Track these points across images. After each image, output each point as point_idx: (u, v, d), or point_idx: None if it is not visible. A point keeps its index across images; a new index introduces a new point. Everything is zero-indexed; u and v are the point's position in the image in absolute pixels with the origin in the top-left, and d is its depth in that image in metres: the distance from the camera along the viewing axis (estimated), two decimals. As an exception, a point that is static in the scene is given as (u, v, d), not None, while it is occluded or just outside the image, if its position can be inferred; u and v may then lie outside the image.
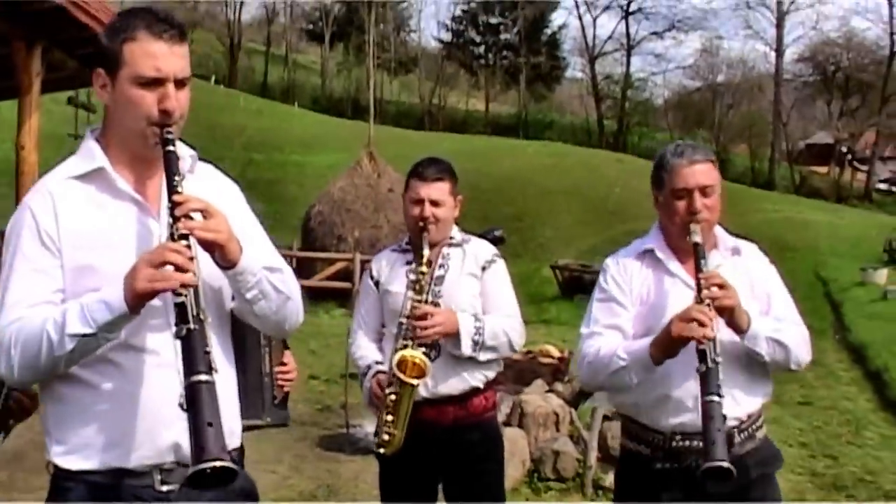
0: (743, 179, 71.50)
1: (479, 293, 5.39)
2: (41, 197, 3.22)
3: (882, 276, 27.40)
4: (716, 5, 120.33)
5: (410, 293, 5.16)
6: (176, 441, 3.16)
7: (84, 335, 3.02)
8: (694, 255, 4.29)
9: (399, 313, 5.18)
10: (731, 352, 4.27)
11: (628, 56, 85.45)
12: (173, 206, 3.07)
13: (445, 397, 5.28)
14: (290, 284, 3.41)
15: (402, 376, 4.98)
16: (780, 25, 79.06)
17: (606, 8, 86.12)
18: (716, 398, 3.91)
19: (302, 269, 26.63)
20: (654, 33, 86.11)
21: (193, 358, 2.91)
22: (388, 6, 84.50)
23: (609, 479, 9.08)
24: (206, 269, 3.15)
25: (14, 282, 3.18)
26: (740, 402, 4.34)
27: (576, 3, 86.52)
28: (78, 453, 3.18)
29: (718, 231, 4.55)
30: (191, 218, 3.07)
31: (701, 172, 4.40)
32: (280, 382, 4.36)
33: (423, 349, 5.07)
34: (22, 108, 11.95)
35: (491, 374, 5.46)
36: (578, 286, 29.96)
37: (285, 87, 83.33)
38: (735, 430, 4.32)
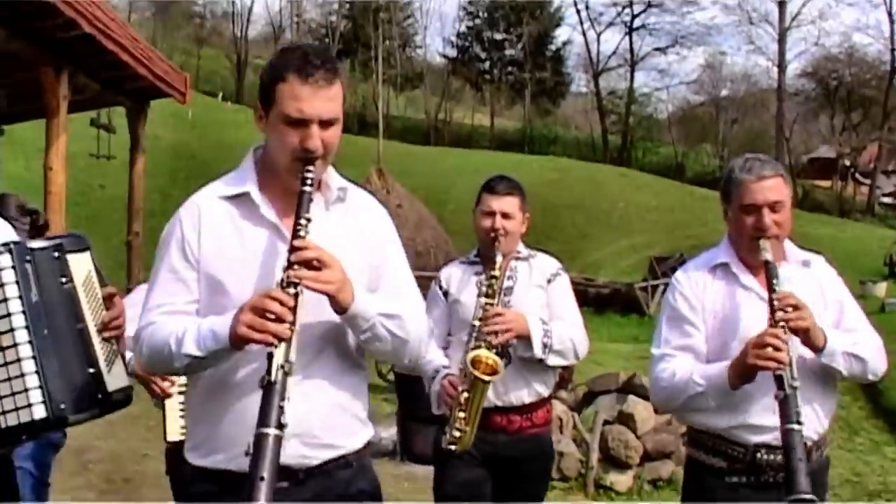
0: (747, 194, 71.96)
1: (545, 304, 5.56)
2: (190, 211, 3.47)
3: (881, 289, 27.86)
4: (719, 21, 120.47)
5: (482, 298, 5.28)
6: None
7: (195, 357, 3.27)
8: (766, 274, 4.24)
9: (469, 320, 5.31)
10: (810, 366, 4.24)
11: (632, 71, 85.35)
12: (291, 251, 3.25)
13: (513, 406, 5.46)
14: (409, 327, 3.51)
15: (476, 373, 5.06)
16: (781, 41, 79.06)
17: (610, 24, 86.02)
18: (795, 426, 3.87)
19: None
20: (658, 49, 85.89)
21: (268, 410, 3.04)
22: (394, 23, 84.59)
23: (609, 479, 9.63)
24: (325, 301, 3.31)
25: (157, 287, 3.44)
26: (820, 415, 4.35)
27: (580, 19, 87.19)
28: (197, 451, 3.48)
29: (787, 244, 4.52)
30: (309, 266, 3.24)
31: (769, 188, 4.36)
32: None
33: (495, 351, 5.15)
34: (49, 131, 12.37)
35: (552, 385, 5.69)
36: (582, 299, 30.38)
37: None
38: (815, 444, 4.33)
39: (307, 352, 3.36)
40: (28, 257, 3.50)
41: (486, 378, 5.09)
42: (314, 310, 3.34)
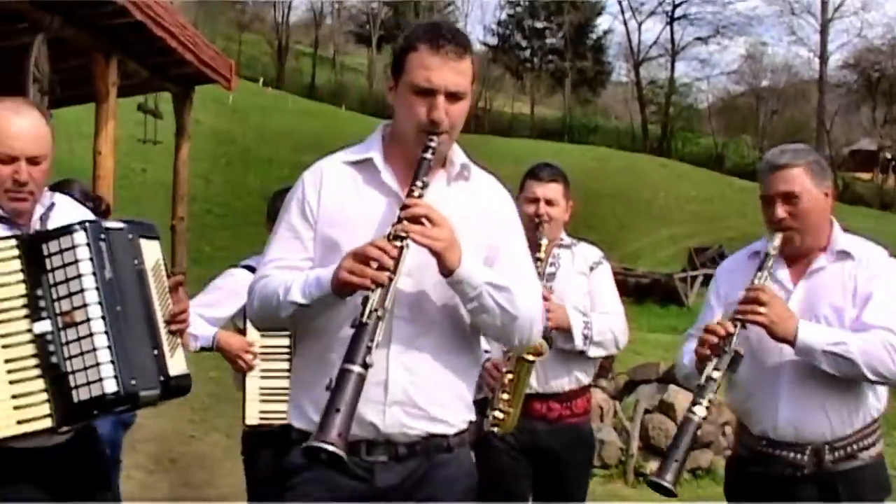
0: (787, 185, 71.64)
1: (586, 292, 5.56)
2: (313, 173, 3.59)
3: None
4: (760, 11, 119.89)
5: None
6: (372, 421, 3.39)
7: (300, 304, 3.36)
8: (759, 265, 4.23)
9: None
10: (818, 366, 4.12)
11: (673, 61, 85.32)
12: (402, 207, 3.33)
13: (554, 394, 5.48)
14: (519, 304, 3.47)
15: (525, 356, 5.02)
16: (823, 32, 78.76)
17: (651, 13, 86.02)
18: (692, 414, 3.95)
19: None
20: (699, 39, 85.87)
21: (355, 349, 3.13)
22: (435, 9, 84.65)
23: (650, 467, 9.71)
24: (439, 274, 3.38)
25: (275, 243, 3.57)
26: (833, 417, 4.20)
27: (621, 8, 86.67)
28: (294, 412, 3.56)
29: (836, 232, 4.36)
30: (418, 222, 3.30)
31: (781, 179, 4.25)
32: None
33: None
34: (99, 116, 12.53)
35: (592, 373, 5.71)
36: (622, 289, 30.40)
37: (333, 89, 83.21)
38: (825, 445, 4.20)
39: (418, 323, 3.45)
40: (103, 236, 3.63)
41: (531, 358, 5.10)
42: (429, 279, 3.43)
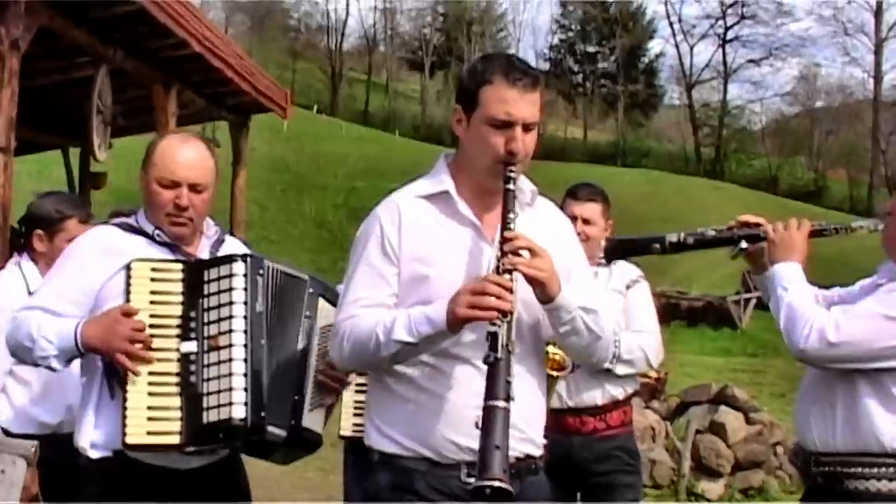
0: (842, 206, 71.04)
1: (622, 310, 5.61)
2: (390, 211, 3.53)
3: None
4: (813, 32, 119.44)
5: None
6: (473, 445, 3.31)
7: (406, 343, 3.33)
8: None
9: None
10: (820, 371, 4.21)
11: (725, 84, 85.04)
12: (503, 241, 3.36)
13: (586, 408, 5.52)
14: (603, 324, 3.57)
15: (550, 372, 4.85)
16: (878, 52, 78.46)
17: (703, 36, 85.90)
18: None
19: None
20: (752, 61, 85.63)
21: (495, 384, 3.16)
22: (487, 35, 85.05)
23: (700, 487, 9.87)
24: (528, 301, 3.44)
25: (356, 282, 3.50)
26: (816, 426, 4.21)
27: (673, 31, 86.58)
28: (391, 439, 3.47)
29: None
30: (518, 255, 3.34)
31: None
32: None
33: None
34: None
35: (630, 389, 5.68)
36: (675, 312, 30.45)
37: (386, 116, 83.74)
38: (812, 456, 4.22)
39: (518, 347, 3.45)
40: (261, 271, 3.87)
41: (555, 374, 5.10)
42: (523, 308, 3.47)
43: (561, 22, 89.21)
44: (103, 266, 3.91)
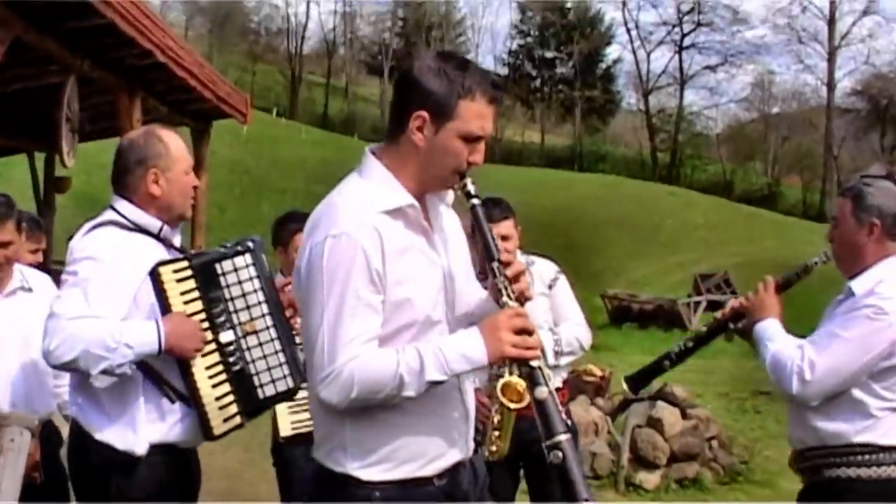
0: (794, 211, 71.85)
1: (548, 308, 5.97)
2: (370, 236, 3.26)
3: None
4: (768, 40, 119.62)
5: None
6: (460, 458, 3.52)
7: (438, 382, 3.26)
8: None
9: None
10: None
11: (681, 90, 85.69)
12: (503, 265, 3.43)
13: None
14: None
15: (504, 400, 5.50)
16: (831, 60, 79.15)
17: (660, 43, 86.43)
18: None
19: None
20: (708, 67, 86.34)
21: (552, 421, 3.23)
22: (446, 41, 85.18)
23: (638, 478, 10.38)
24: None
25: (348, 317, 3.24)
26: (800, 427, 4.56)
27: (630, 38, 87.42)
28: (379, 465, 3.37)
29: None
30: (517, 280, 3.43)
31: None
32: None
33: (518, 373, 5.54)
34: None
35: (565, 375, 6.16)
36: (626, 315, 31.10)
37: (345, 119, 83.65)
38: (799, 454, 4.61)
39: None
40: (254, 259, 4.33)
41: (513, 406, 5.54)
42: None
43: (519, 27, 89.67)
44: (131, 270, 4.11)
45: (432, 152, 3.38)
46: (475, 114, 3.36)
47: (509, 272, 3.42)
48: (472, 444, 3.62)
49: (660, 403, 11.16)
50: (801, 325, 4.60)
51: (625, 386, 5.42)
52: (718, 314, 4.88)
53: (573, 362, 6.31)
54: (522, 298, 3.41)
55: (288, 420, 5.84)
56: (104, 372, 3.92)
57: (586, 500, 3.17)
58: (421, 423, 3.40)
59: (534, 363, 3.29)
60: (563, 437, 3.20)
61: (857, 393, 4.35)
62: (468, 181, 3.46)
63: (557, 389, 5.49)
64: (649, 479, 10.54)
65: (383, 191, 3.40)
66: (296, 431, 5.86)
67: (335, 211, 3.37)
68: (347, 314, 3.25)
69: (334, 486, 3.42)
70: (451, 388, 3.47)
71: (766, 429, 14.65)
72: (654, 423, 10.89)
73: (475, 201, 3.47)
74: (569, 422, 6.12)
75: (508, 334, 3.27)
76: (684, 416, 11.08)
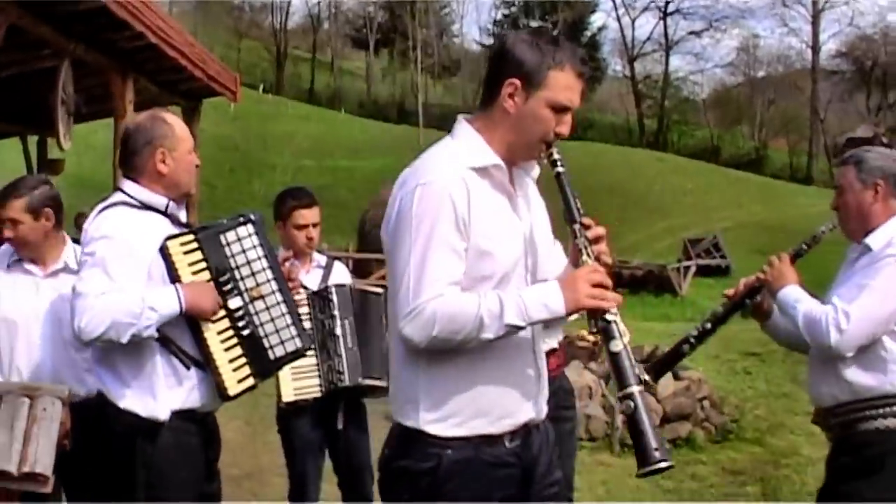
0: (782, 174, 72.09)
1: None
2: (459, 185, 3.41)
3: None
4: (752, 4, 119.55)
5: None
6: (531, 417, 3.60)
7: (518, 327, 3.36)
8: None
9: None
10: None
11: (667, 56, 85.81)
12: (584, 228, 3.52)
13: None
14: None
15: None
16: (815, 22, 79.28)
17: (645, 9, 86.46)
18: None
19: (358, 270, 28.13)
20: (693, 32, 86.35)
21: (625, 373, 3.29)
22: (431, 12, 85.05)
23: (632, 438, 10.62)
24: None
25: (433, 259, 3.36)
26: (824, 385, 4.75)
27: (614, 4, 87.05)
28: (450, 420, 3.46)
29: None
30: (597, 242, 3.52)
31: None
32: None
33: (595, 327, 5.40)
34: (117, 133, 13.25)
35: (561, 337, 6.23)
36: (618, 281, 31.13)
37: (332, 94, 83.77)
38: (828, 412, 4.80)
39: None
40: (257, 228, 4.54)
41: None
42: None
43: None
44: (144, 246, 4.32)
45: (522, 119, 3.52)
46: (564, 84, 3.50)
47: (590, 234, 3.51)
48: (544, 407, 3.71)
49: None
50: (818, 291, 4.75)
51: (646, 377, 5.56)
52: (731, 292, 4.97)
53: (565, 327, 6.47)
54: (602, 259, 3.48)
55: (291, 386, 5.97)
56: (134, 336, 4.14)
57: (656, 450, 3.25)
58: (493, 378, 3.49)
59: (609, 317, 3.37)
60: (635, 389, 3.29)
61: (889, 343, 4.55)
62: (554, 150, 3.58)
63: (553, 351, 5.97)
64: (643, 439, 10.76)
65: (472, 150, 3.54)
66: (298, 397, 6.01)
67: (425, 164, 3.54)
68: (433, 255, 3.37)
69: (409, 442, 3.51)
70: (525, 347, 3.59)
71: (755, 388, 14.89)
72: (647, 385, 11.11)
73: (560, 169, 3.58)
74: (566, 384, 6.44)
75: (586, 286, 3.36)
76: (676, 377, 11.29)
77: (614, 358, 3.35)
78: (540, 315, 3.37)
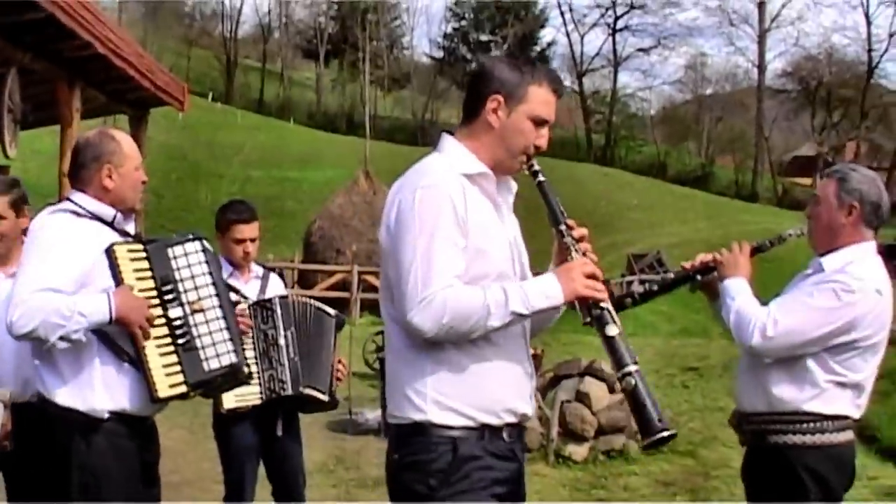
0: (727, 192, 72.69)
1: None
2: (457, 187, 3.63)
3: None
4: (700, 23, 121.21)
5: None
6: (526, 411, 3.77)
7: (521, 315, 3.57)
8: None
9: None
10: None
11: (615, 72, 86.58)
12: (569, 228, 3.82)
13: None
14: None
15: None
16: (761, 42, 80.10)
17: (594, 25, 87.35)
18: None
19: (304, 281, 28.28)
20: (641, 49, 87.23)
21: (622, 354, 3.55)
22: (381, 24, 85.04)
23: (567, 450, 10.80)
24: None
25: (439, 253, 3.53)
26: (747, 391, 4.87)
27: (564, 20, 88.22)
28: (455, 411, 3.62)
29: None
30: (582, 241, 3.80)
31: None
32: (338, 375, 6.28)
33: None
34: (64, 140, 13.16)
35: None
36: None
37: (281, 104, 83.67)
38: (745, 417, 4.89)
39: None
40: (204, 247, 4.66)
41: None
42: None
43: (454, 10, 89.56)
44: (86, 249, 4.42)
45: (505, 132, 3.77)
46: (542, 99, 3.77)
47: (575, 234, 3.80)
48: (534, 405, 3.91)
49: (588, 379, 11.56)
50: (765, 293, 4.86)
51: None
52: (687, 264, 5.01)
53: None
54: (588, 255, 3.74)
55: (232, 393, 6.03)
56: (61, 339, 4.24)
57: (659, 420, 3.50)
58: (496, 372, 3.66)
59: (603, 305, 3.61)
60: (632, 368, 3.53)
61: (811, 363, 4.61)
62: (534, 161, 3.84)
63: None
64: (578, 450, 10.93)
65: (462, 159, 3.77)
66: (238, 404, 6.14)
67: (422, 170, 3.75)
68: (439, 250, 3.55)
69: (417, 435, 3.65)
70: (522, 346, 3.80)
71: (692, 402, 15.15)
72: (583, 398, 11.28)
73: (541, 178, 3.86)
74: None
75: (581, 276, 3.62)
76: (612, 390, 11.48)
77: (611, 341, 3.58)
78: (540, 304, 3.58)
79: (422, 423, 3.63)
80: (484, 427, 3.64)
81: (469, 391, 3.63)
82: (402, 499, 3.71)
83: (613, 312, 3.63)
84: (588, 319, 3.66)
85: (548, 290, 3.60)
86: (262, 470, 6.52)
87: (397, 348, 3.73)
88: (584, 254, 3.74)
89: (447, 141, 3.85)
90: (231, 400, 6.15)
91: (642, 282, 5.97)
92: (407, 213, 3.60)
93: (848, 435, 4.74)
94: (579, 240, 3.80)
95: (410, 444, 3.66)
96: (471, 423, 3.62)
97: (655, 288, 5.08)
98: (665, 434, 3.51)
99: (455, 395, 3.62)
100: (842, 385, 4.66)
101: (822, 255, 4.80)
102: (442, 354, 3.62)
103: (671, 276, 5.13)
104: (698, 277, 4.95)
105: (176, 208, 43.27)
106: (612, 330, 3.59)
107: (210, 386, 4.64)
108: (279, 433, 6.35)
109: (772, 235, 5.06)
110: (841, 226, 4.75)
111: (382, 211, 3.84)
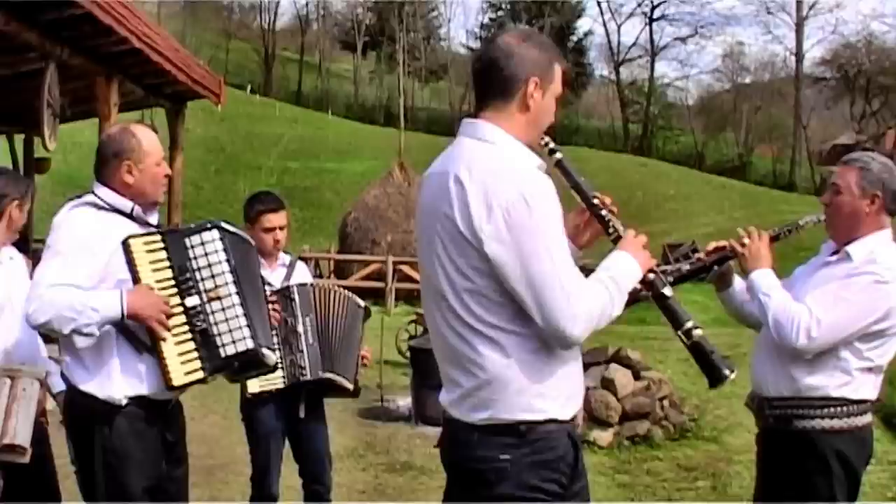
0: (765, 181, 72.26)
1: None
2: (549, 184, 3.53)
3: None
4: (737, 11, 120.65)
5: None
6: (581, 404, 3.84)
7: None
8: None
9: None
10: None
11: (653, 61, 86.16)
12: (604, 205, 3.93)
13: None
14: None
15: None
16: (799, 30, 79.47)
17: (631, 15, 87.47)
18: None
19: (340, 271, 28.50)
20: (678, 38, 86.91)
21: (679, 313, 3.78)
22: (418, 15, 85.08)
23: (592, 436, 10.92)
24: None
25: (565, 260, 3.47)
26: (772, 374, 4.86)
27: (601, 10, 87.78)
28: (565, 403, 3.62)
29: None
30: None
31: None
32: (363, 362, 6.52)
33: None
34: (102, 133, 13.64)
35: None
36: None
37: (319, 96, 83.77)
38: (766, 401, 4.89)
39: None
40: (222, 234, 4.77)
41: None
42: None
43: (491, 1, 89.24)
44: (103, 244, 4.57)
45: (539, 113, 3.70)
46: (564, 79, 3.76)
47: (609, 204, 3.93)
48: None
49: (613, 366, 11.70)
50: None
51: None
52: (702, 254, 5.01)
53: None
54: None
55: (257, 378, 6.18)
56: (74, 331, 4.42)
57: (724, 364, 3.75)
58: (570, 366, 3.63)
59: (654, 269, 3.79)
60: (691, 324, 3.72)
61: (843, 352, 4.63)
62: (548, 138, 3.88)
63: None
64: (602, 436, 11.06)
65: (522, 152, 3.66)
66: (262, 388, 6.36)
67: (512, 170, 3.53)
68: (558, 251, 3.46)
69: (531, 434, 3.55)
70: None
71: (720, 389, 15.15)
72: (608, 385, 11.43)
73: (559, 155, 3.90)
74: None
75: (641, 250, 3.77)
76: (637, 377, 11.63)
77: (667, 302, 3.77)
78: (631, 283, 3.69)
79: (543, 421, 3.56)
80: (562, 421, 3.61)
81: (570, 385, 3.64)
82: (519, 500, 3.57)
83: (662, 276, 3.81)
84: (640, 287, 3.78)
85: (630, 270, 3.70)
86: (289, 451, 6.73)
87: (507, 353, 3.54)
88: (616, 230, 3.87)
89: (493, 131, 3.64)
90: (255, 384, 6.35)
91: (664, 272, 6.04)
92: (522, 220, 3.42)
93: (869, 417, 4.81)
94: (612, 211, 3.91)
95: (526, 442, 3.55)
96: (561, 417, 3.60)
97: (671, 280, 4.85)
98: (729, 374, 3.77)
99: (566, 389, 3.62)
100: (869, 370, 4.73)
101: (846, 243, 4.79)
102: (536, 349, 3.55)
103: (687, 267, 4.96)
104: (715, 268, 4.99)
105: (215, 200, 43.53)
106: (669, 290, 3.79)
107: (229, 370, 4.80)
108: (301, 415, 6.54)
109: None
110: (863, 215, 4.75)
111: (416, 202, 3.82)
